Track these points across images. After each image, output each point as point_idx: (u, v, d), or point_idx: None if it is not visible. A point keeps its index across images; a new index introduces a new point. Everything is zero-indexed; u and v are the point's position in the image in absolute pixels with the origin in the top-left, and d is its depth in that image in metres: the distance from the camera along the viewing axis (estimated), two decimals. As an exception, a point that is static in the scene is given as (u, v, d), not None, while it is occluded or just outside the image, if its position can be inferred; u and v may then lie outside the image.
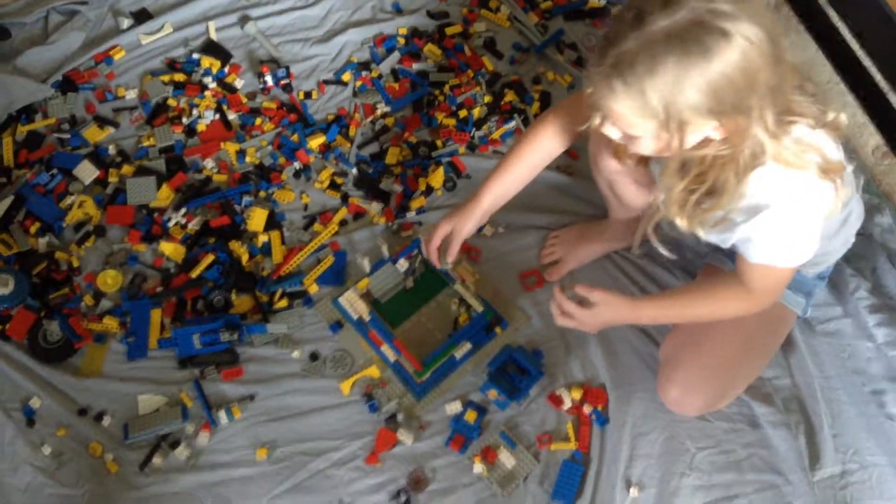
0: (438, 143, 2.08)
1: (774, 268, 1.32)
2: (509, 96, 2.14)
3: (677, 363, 1.56)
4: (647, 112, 1.11)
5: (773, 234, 1.27)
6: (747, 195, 1.23)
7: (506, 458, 1.63)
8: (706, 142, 1.19)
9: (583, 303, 1.46)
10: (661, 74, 1.07)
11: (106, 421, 1.70)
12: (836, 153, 1.24)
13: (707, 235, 1.33)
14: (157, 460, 1.65)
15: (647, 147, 1.21)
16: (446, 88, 2.16)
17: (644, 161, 1.45)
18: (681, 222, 1.28)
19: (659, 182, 1.32)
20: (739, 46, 1.06)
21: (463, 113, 2.11)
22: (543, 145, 1.57)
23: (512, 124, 2.08)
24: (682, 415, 1.62)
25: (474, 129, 2.09)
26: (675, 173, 1.25)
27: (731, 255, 1.43)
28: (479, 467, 1.63)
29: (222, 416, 1.69)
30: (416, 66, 2.22)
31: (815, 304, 1.77)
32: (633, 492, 1.57)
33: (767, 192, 1.22)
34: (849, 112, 1.96)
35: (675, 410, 1.60)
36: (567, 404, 1.69)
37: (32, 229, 1.91)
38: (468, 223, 1.59)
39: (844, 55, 1.83)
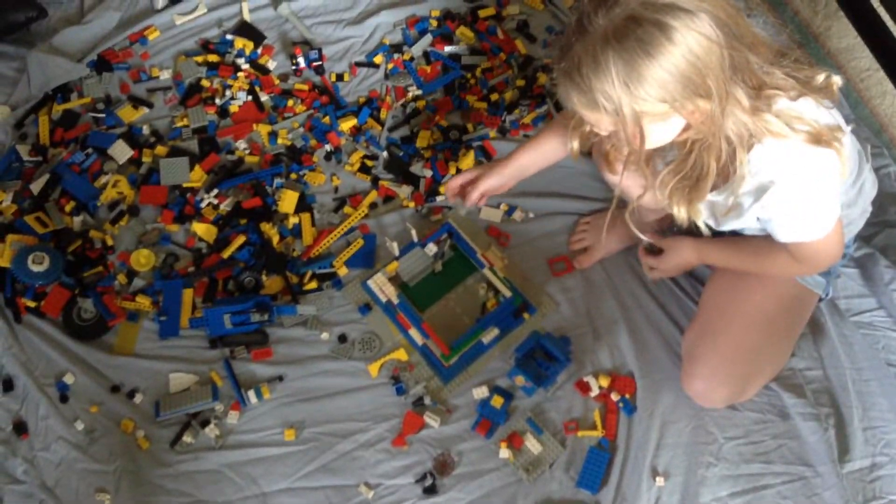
0: (469, 126, 2.07)
1: (807, 243, 1.33)
2: (542, 80, 2.12)
3: (698, 356, 1.56)
4: (600, 109, 1.16)
5: (788, 211, 1.28)
6: (750, 175, 1.25)
7: (532, 445, 1.64)
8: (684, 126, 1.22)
9: (655, 251, 1.63)
10: (604, 73, 1.12)
11: (138, 398, 1.72)
12: (827, 117, 1.24)
13: (723, 225, 1.37)
14: (187, 438, 1.67)
15: (620, 140, 1.24)
16: (478, 72, 2.15)
17: (647, 162, 1.43)
18: (677, 211, 1.31)
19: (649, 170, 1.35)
20: (679, 35, 1.09)
21: (494, 96, 2.10)
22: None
23: (544, 108, 2.07)
24: (710, 406, 1.61)
25: (506, 113, 2.08)
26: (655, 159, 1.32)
27: None
28: (505, 452, 1.63)
29: (252, 395, 1.71)
30: (448, 49, 2.21)
31: (849, 296, 1.75)
32: (660, 480, 1.57)
33: (769, 170, 1.24)
34: (888, 100, 1.93)
35: (700, 403, 1.59)
36: (594, 392, 1.68)
37: (67, 208, 1.94)
38: (494, 176, 1.68)
39: (885, 42, 1.79)
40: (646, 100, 1.13)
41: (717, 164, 1.24)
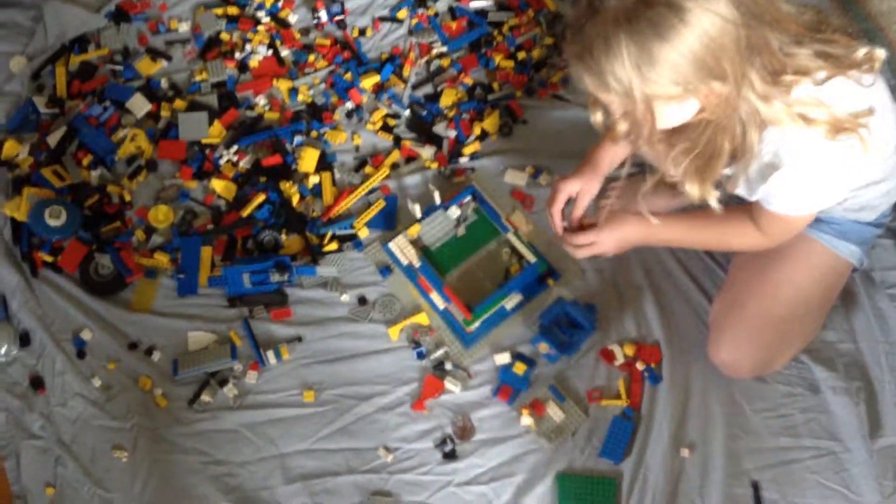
0: (495, 85, 2.02)
1: (790, 217, 1.32)
2: (570, 39, 2.06)
3: (725, 326, 1.53)
4: (611, 91, 1.13)
5: (790, 190, 1.27)
6: (760, 156, 1.23)
7: (554, 412, 1.61)
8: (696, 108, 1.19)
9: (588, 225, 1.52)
10: (615, 56, 1.09)
11: (156, 356, 1.71)
12: (857, 101, 1.20)
13: (733, 191, 1.34)
14: (205, 397, 1.66)
15: (632, 120, 1.20)
16: (505, 28, 2.10)
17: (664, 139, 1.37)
18: (690, 188, 1.28)
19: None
20: (693, 17, 1.06)
21: (522, 55, 2.05)
22: None
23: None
24: (736, 377, 1.58)
25: (533, 71, 2.03)
26: (668, 139, 1.27)
27: None
28: (526, 419, 1.61)
29: (271, 356, 1.69)
30: (474, 5, 2.15)
31: (884, 267, 1.70)
32: (684, 452, 1.54)
33: (778, 153, 1.22)
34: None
35: (726, 373, 1.57)
36: (619, 360, 1.65)
37: (85, 161, 1.91)
38: (595, 184, 1.58)
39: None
40: (658, 83, 1.10)
41: (731, 145, 1.22)
